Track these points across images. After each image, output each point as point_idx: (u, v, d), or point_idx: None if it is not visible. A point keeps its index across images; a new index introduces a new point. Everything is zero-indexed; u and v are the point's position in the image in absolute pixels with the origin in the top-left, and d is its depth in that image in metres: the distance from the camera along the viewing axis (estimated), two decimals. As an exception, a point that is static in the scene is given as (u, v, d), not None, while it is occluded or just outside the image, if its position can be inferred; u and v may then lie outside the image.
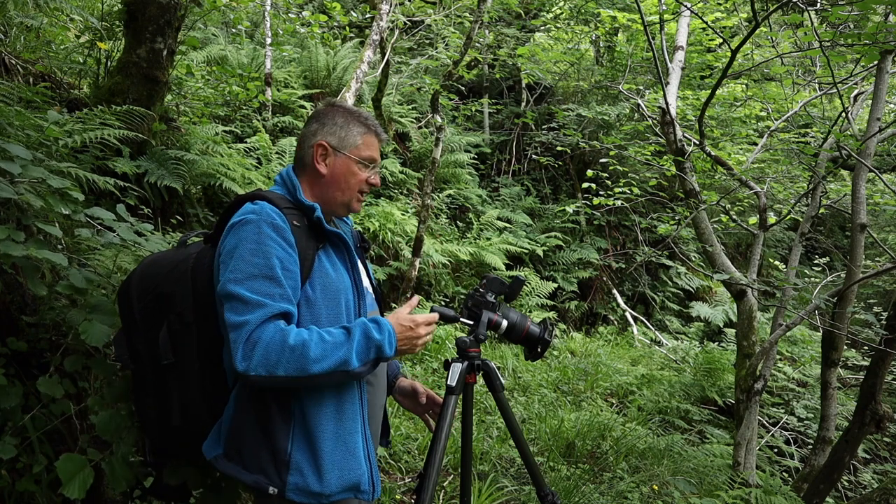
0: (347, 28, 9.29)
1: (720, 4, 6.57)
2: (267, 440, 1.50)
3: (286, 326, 1.44)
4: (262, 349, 1.39)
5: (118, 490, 1.72)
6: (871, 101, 3.85)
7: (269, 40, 7.12)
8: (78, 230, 2.14)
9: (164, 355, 1.60)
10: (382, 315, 1.83)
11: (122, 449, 1.77)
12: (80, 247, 2.34)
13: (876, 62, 3.68)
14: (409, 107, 9.17)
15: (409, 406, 2.00)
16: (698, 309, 9.16)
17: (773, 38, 6.35)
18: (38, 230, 1.98)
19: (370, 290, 1.76)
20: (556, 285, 8.33)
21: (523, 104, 10.59)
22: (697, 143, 4.38)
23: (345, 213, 1.73)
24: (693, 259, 9.33)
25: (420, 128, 8.97)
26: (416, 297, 1.69)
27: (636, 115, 9.13)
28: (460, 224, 8.50)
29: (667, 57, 5.06)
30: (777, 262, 8.74)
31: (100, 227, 2.24)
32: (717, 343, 8.08)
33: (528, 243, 8.36)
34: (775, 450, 5.63)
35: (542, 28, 10.71)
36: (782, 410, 6.34)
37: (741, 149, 7.69)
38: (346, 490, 1.53)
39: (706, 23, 4.34)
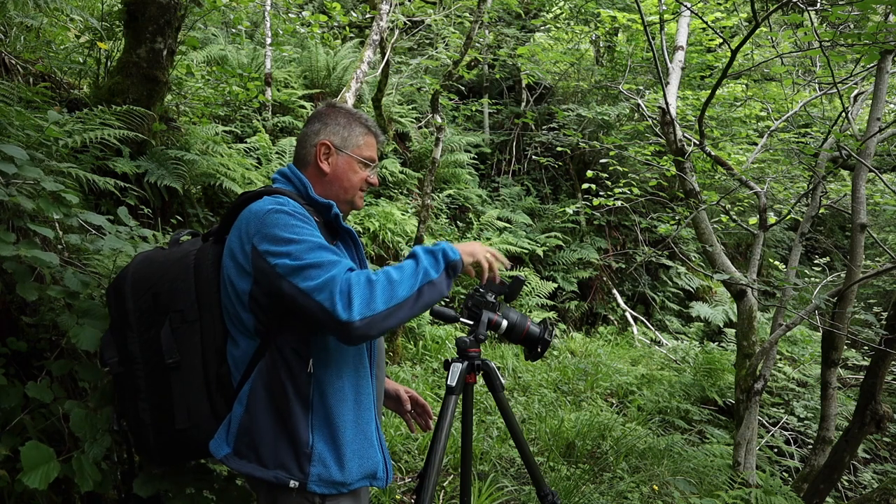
0: (347, 28, 9.29)
1: (720, 4, 6.56)
2: (286, 434, 1.50)
3: (360, 270, 1.46)
4: (358, 292, 1.38)
5: (85, 489, 1.68)
6: (871, 101, 3.85)
7: (269, 40, 7.12)
8: (67, 235, 2.12)
9: (169, 354, 1.59)
10: None
11: (94, 450, 1.73)
12: (79, 248, 2.34)
13: (876, 62, 3.68)
14: (409, 107, 9.17)
15: (393, 407, 2.03)
16: (698, 309, 9.15)
17: (773, 38, 6.35)
18: (35, 233, 1.97)
19: None
20: (556, 285, 8.33)
21: (523, 104, 10.59)
22: (697, 143, 4.37)
23: (348, 210, 1.76)
24: (693, 259, 9.33)
25: (420, 128, 8.98)
26: None
27: (636, 115, 9.13)
28: (460, 224, 8.50)
29: (667, 57, 5.06)
30: (777, 262, 8.74)
31: (93, 232, 2.22)
32: (717, 343, 8.07)
33: (528, 243, 8.36)
34: (775, 450, 5.63)
35: (542, 28, 10.71)
36: (782, 410, 6.33)
37: (741, 149, 7.68)
38: (364, 478, 1.55)
39: (706, 23, 4.34)
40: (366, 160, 1.73)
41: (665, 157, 5.77)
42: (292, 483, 1.47)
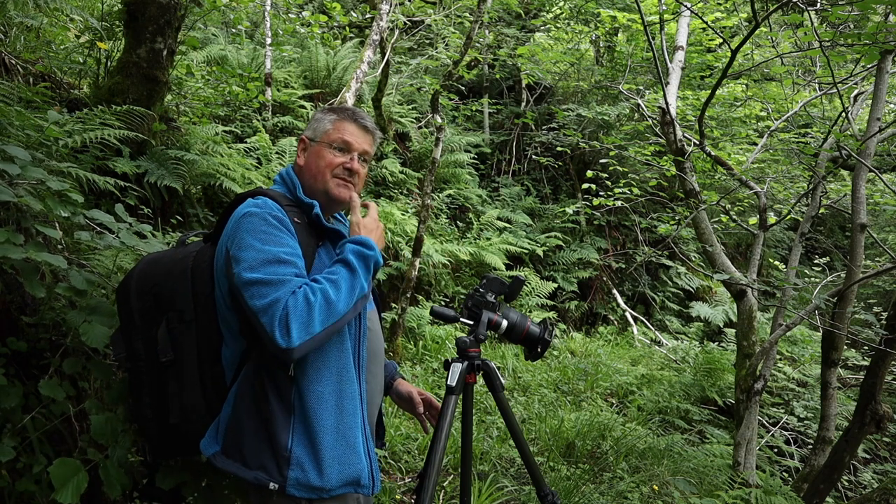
0: (347, 28, 9.29)
1: (720, 4, 6.57)
2: (267, 436, 1.51)
3: (299, 289, 1.45)
4: (296, 318, 1.40)
5: (114, 495, 1.71)
6: (871, 101, 3.85)
7: (269, 40, 7.12)
8: (78, 233, 2.13)
9: (164, 352, 1.61)
10: (381, 315, 1.84)
11: (117, 452, 1.75)
12: (80, 247, 2.34)
13: (876, 62, 3.68)
14: (409, 107, 9.17)
15: (407, 408, 2.01)
16: (698, 309, 9.15)
17: (773, 38, 6.35)
18: (38, 232, 1.97)
19: None
20: (556, 285, 8.32)
21: (523, 104, 10.58)
22: (697, 143, 4.38)
23: (325, 200, 1.69)
24: (693, 259, 9.33)
25: (420, 128, 8.97)
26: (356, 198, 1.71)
27: (636, 115, 9.13)
28: (460, 224, 8.50)
29: (667, 57, 5.06)
30: (777, 262, 8.74)
31: (99, 230, 2.23)
32: (717, 343, 8.07)
33: (528, 243, 8.36)
34: (775, 450, 5.63)
35: (542, 28, 10.70)
36: (782, 410, 6.34)
37: (741, 149, 7.68)
38: (346, 485, 1.54)
39: (706, 23, 4.34)
40: (333, 143, 1.68)
41: (665, 157, 5.77)
42: (272, 485, 1.48)
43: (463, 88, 9.99)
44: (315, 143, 1.70)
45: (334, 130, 1.70)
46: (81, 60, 4.30)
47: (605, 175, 6.09)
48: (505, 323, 1.98)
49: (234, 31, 7.60)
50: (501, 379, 2.06)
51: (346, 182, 1.69)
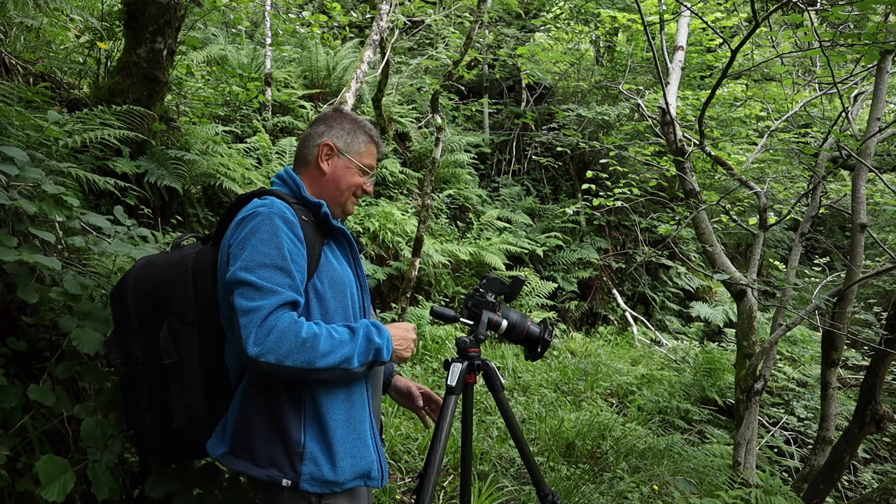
0: (347, 28, 9.29)
1: (720, 4, 6.56)
2: (278, 433, 1.51)
3: (299, 318, 1.47)
4: (276, 337, 1.41)
5: (101, 497, 1.70)
6: (871, 101, 3.85)
7: (269, 40, 7.12)
8: (72, 238, 2.12)
9: (167, 355, 1.61)
10: (376, 311, 1.86)
11: (106, 457, 1.75)
12: (79, 249, 2.34)
13: (876, 62, 3.68)
14: (409, 107, 9.17)
15: (406, 403, 2.03)
16: (698, 309, 9.15)
17: (773, 38, 6.35)
18: (34, 235, 1.97)
19: None
20: (556, 285, 8.32)
21: (523, 104, 10.58)
22: (697, 143, 4.37)
23: (339, 213, 1.78)
24: (693, 259, 9.33)
25: (420, 128, 8.97)
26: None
27: (636, 115, 9.13)
28: (460, 224, 8.50)
29: (667, 57, 5.06)
30: (777, 262, 8.74)
31: (96, 235, 2.23)
32: (717, 343, 8.07)
33: (528, 243, 8.36)
34: (775, 450, 5.63)
35: (542, 28, 10.71)
36: (782, 410, 6.33)
37: (741, 149, 7.68)
38: (357, 477, 1.56)
39: (706, 23, 4.34)
40: (365, 167, 1.76)
41: (665, 157, 5.77)
42: (284, 482, 1.49)
43: (463, 88, 9.99)
44: (345, 158, 1.74)
45: (367, 154, 1.77)
46: (81, 60, 4.30)
47: (605, 175, 6.09)
48: (505, 323, 1.98)
49: (234, 31, 7.61)
50: (501, 379, 2.06)
51: (358, 199, 1.80)
